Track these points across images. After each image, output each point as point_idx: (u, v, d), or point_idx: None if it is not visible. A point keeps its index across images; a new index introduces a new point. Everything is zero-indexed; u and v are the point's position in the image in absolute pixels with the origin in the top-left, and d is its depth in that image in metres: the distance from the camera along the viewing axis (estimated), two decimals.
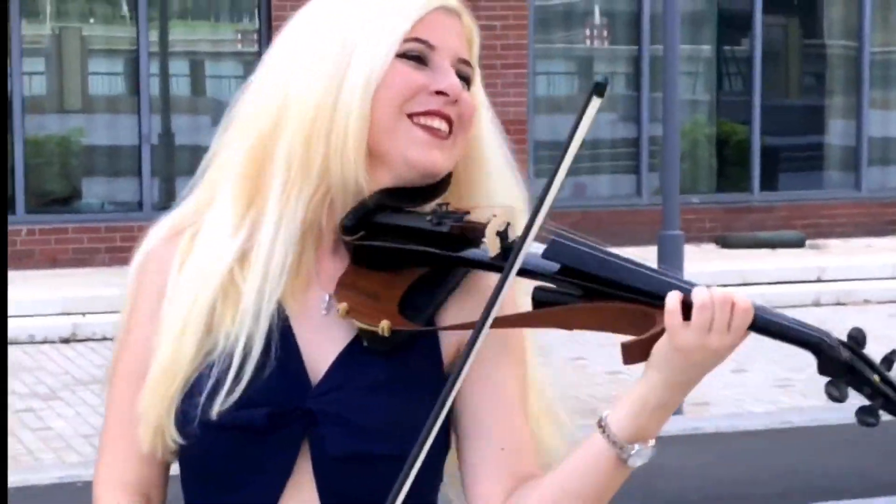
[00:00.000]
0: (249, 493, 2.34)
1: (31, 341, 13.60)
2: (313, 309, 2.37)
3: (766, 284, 14.91)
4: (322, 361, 2.32)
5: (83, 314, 13.88)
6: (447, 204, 2.38)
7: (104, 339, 13.38)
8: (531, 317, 2.35)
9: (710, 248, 16.10)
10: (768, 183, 17.11)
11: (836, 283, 14.98)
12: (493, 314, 2.21)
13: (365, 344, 2.28)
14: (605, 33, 17.70)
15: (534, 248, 2.27)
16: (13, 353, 12.83)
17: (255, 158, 2.36)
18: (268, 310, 2.32)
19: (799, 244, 16.20)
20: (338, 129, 2.29)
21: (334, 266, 2.37)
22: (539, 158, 16.65)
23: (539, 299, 2.32)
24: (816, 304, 14.60)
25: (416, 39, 2.31)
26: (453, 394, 2.24)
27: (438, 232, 2.31)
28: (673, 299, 2.09)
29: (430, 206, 2.38)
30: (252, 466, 2.34)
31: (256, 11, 17.38)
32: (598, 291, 2.25)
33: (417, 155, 2.30)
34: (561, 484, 2.30)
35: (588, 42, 17.84)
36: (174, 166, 16.91)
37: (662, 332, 2.17)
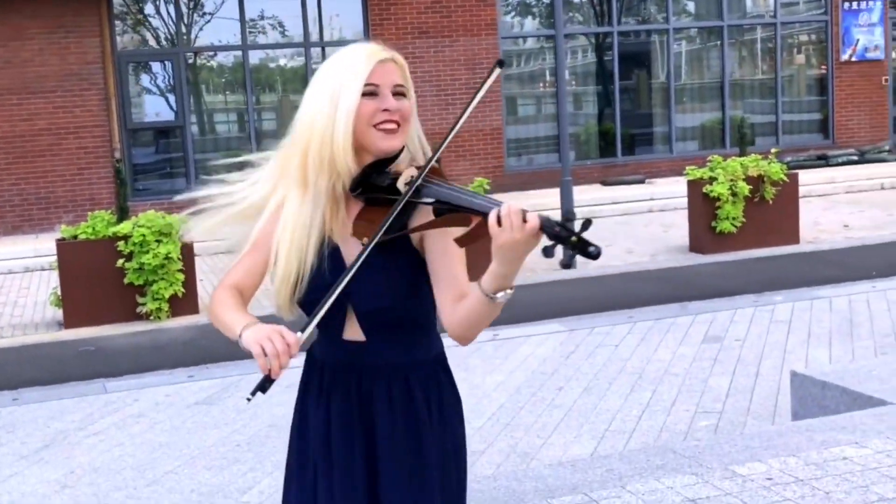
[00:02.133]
0: (331, 329, 2.31)
1: (232, 250, 13.62)
2: (347, 235, 2.27)
3: (626, 203, 14.81)
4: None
5: None
6: (394, 171, 2.27)
7: None
8: (429, 224, 2.21)
9: (597, 186, 15.83)
10: (626, 152, 16.78)
11: (659, 200, 14.92)
12: (386, 224, 2.18)
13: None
14: (545, 83, 17.06)
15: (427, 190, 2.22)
16: (222, 260, 13.57)
17: (301, 162, 2.26)
18: (314, 242, 2.27)
19: (642, 182, 16.00)
20: (335, 143, 2.20)
21: (356, 210, 2.28)
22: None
23: (436, 212, 2.20)
24: (650, 210, 14.66)
25: (368, 84, 2.20)
26: (362, 258, 2.16)
27: (388, 185, 2.24)
28: (492, 216, 2.01)
29: (393, 168, 2.28)
30: (329, 318, 2.23)
31: None
32: (451, 209, 2.17)
33: (383, 145, 2.23)
34: (466, 307, 2.18)
35: (539, 87, 17.20)
36: None
37: (476, 228, 2.12)
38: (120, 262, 9.12)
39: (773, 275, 9.91)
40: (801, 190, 11.70)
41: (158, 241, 9.10)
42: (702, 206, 11.11)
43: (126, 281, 9.16)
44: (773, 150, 11.81)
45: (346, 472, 2.32)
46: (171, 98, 14.99)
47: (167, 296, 9.17)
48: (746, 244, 11.10)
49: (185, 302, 9.40)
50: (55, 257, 9.52)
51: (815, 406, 5.25)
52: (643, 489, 4.05)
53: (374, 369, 2.31)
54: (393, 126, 2.23)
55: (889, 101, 17.80)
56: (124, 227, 9.19)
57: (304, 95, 2.29)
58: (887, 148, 17.33)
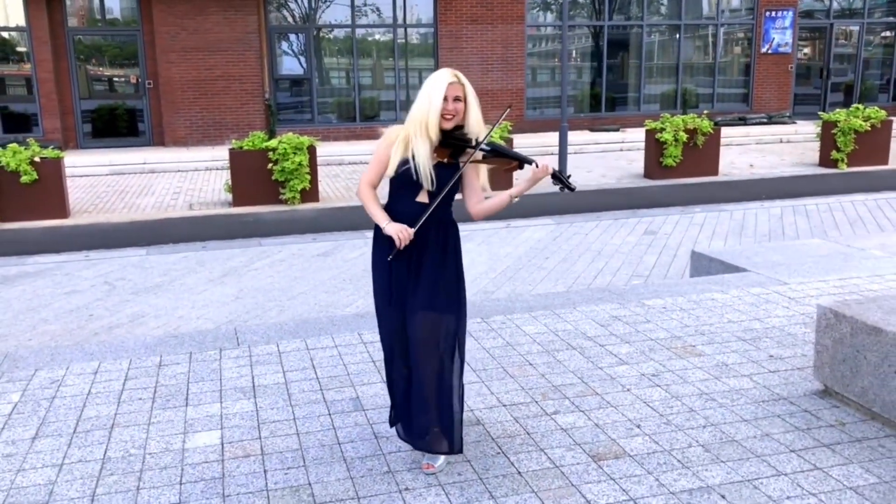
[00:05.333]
0: (411, 195, 2.66)
1: (342, 163, 13.08)
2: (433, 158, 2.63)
3: (605, 143, 14.50)
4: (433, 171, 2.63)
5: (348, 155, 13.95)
6: (464, 134, 2.65)
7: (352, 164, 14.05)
8: (483, 162, 2.65)
9: (586, 132, 15.44)
10: (608, 109, 16.52)
11: (628, 143, 14.59)
12: (470, 160, 2.62)
13: (441, 164, 2.64)
14: (555, 59, 16.46)
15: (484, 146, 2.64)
16: (335, 169, 13.48)
17: (413, 129, 2.63)
18: (401, 157, 2.64)
19: (617, 130, 15.63)
20: (430, 120, 2.60)
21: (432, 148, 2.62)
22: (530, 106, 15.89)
23: (484, 155, 2.66)
24: (621, 150, 14.39)
25: (444, 95, 2.61)
26: (455, 178, 2.62)
27: (464, 140, 2.64)
28: (538, 162, 2.55)
29: (459, 133, 2.66)
30: (412, 192, 2.65)
31: None
32: (500, 156, 2.63)
33: (444, 125, 2.63)
34: (493, 202, 2.65)
35: (551, 62, 16.60)
36: None
37: (514, 167, 2.61)
38: (269, 165, 9.43)
39: (696, 195, 10.01)
40: (725, 140, 11.67)
41: (294, 153, 9.39)
42: (654, 147, 11.20)
43: (273, 178, 9.47)
44: (704, 112, 11.89)
45: (406, 272, 2.73)
46: (302, 59, 15.07)
47: (299, 189, 9.48)
48: (682, 174, 11.23)
49: (310, 194, 9.69)
50: (226, 161, 9.90)
51: (704, 272, 5.57)
52: (586, 309, 4.45)
53: (430, 218, 2.70)
54: (450, 117, 2.66)
55: (791, 83, 17.42)
56: (273, 143, 9.46)
57: (418, 94, 2.69)
58: (787, 114, 17.10)
